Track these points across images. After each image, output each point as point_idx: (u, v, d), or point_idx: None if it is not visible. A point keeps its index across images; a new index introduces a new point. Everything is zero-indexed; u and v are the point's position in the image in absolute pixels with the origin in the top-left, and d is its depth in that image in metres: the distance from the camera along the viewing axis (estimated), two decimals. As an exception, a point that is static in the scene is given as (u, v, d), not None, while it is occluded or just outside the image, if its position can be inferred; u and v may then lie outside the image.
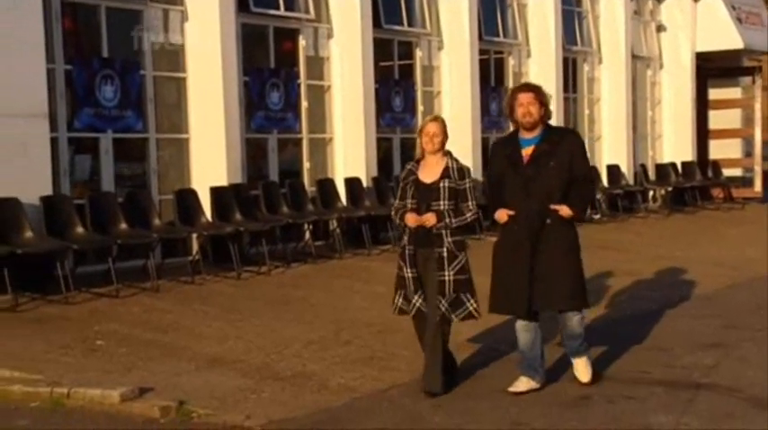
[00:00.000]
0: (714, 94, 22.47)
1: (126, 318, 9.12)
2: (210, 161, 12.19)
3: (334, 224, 13.27)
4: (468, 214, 6.77)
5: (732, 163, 22.28)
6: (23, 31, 10.05)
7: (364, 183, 14.03)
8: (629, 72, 19.96)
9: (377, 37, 14.72)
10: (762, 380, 7.04)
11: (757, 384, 6.96)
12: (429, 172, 6.82)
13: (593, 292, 10.75)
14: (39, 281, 9.64)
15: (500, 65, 17.76)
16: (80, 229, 10.28)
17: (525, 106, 6.77)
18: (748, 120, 22.35)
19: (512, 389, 6.82)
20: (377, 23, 14.80)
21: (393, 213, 6.98)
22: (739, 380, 7.10)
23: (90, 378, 7.14)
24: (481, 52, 16.66)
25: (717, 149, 22.36)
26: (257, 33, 13.58)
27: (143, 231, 10.80)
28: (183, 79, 12.33)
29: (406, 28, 15.73)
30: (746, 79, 22.59)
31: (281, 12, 13.66)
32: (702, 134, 22.18)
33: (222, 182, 12.04)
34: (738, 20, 21.59)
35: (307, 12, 14.08)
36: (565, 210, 6.72)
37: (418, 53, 16.03)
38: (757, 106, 21.94)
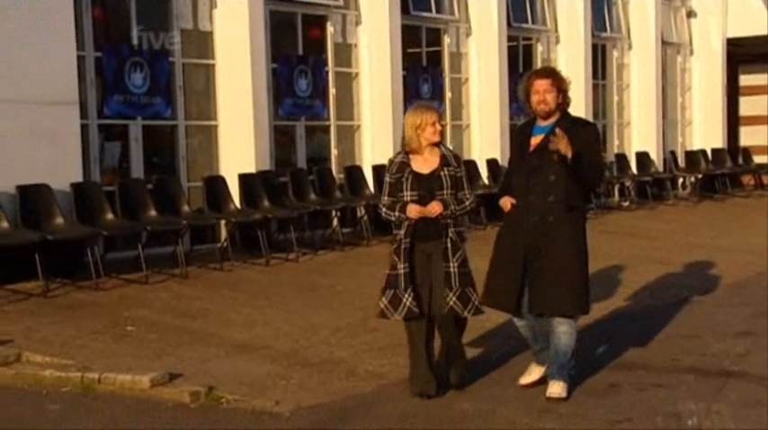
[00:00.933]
0: (745, 80, 22.28)
1: (155, 305, 9.17)
2: (239, 148, 12.22)
3: (361, 211, 13.28)
4: (467, 202, 6.47)
5: (763, 149, 22.05)
6: (54, 19, 10.10)
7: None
8: (658, 58, 19.80)
9: (405, 24, 14.68)
10: (793, 369, 7.00)
11: (788, 373, 6.92)
12: (425, 162, 6.43)
13: (623, 281, 10.74)
14: (69, 267, 9.72)
15: (528, 51, 17.66)
16: (110, 216, 10.34)
17: (541, 93, 6.36)
18: (779, 106, 22.16)
19: (523, 380, 6.63)
20: (405, 10, 14.76)
21: (385, 209, 6.46)
22: (770, 368, 7.06)
23: (120, 363, 7.20)
24: (509, 39, 16.58)
25: (747, 136, 22.18)
26: (285, 20, 13.57)
27: (172, 218, 10.85)
28: (212, 66, 12.36)
29: (434, 14, 15.68)
30: (778, 65, 22.38)
31: (310, -2, 13.67)
32: (733, 120, 22.00)
33: (250, 169, 12.07)
34: (770, 5, 21.37)
35: (335, -2, 14.08)
36: (558, 136, 6.10)
37: (446, 40, 15.98)
38: (789, 92, 21.74)
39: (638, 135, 19.78)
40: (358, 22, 14.28)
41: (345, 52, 14.29)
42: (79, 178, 10.34)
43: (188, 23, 12.18)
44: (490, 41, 16.04)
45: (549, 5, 17.77)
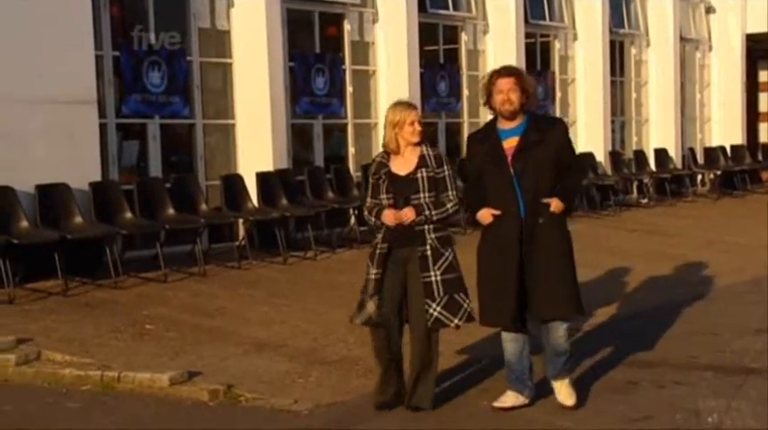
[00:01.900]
0: (764, 75, 22.16)
1: (174, 303, 9.20)
2: (256, 147, 12.24)
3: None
4: (449, 205, 6.03)
5: (783, 146, 21.97)
6: (72, 18, 10.14)
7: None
8: (677, 55, 19.70)
9: (422, 21, 14.65)
10: (813, 366, 6.96)
11: (809, 370, 6.88)
12: (403, 163, 6.07)
13: (641, 277, 10.70)
14: (88, 265, 9.76)
15: (546, 49, 17.61)
16: (128, 215, 10.37)
17: (505, 93, 5.97)
18: (800, 102, 22.04)
19: (497, 404, 6.17)
20: (422, 8, 14.73)
21: (366, 213, 6.20)
22: (790, 365, 7.02)
23: (139, 362, 7.23)
24: (527, 36, 16.53)
25: (767, 132, 22.03)
26: (302, 18, 13.58)
27: (190, 216, 10.88)
28: (230, 65, 12.38)
29: (451, 12, 15.66)
30: (798, 61, 22.27)
31: (326, -4, 13.68)
32: (752, 117, 21.87)
33: (268, 167, 12.09)
34: (790, 0, 21.24)
35: (352, -4, 14.08)
36: (556, 204, 5.98)
37: (463, 37, 15.95)
38: (809, 88, 21.62)
39: (656, 132, 19.69)
40: (375, 20, 14.28)
41: (362, 50, 14.29)
42: (98, 177, 10.38)
43: (205, 22, 12.21)
44: (508, 39, 15.99)
45: (566, 2, 17.72)
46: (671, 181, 18.75)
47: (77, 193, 9.95)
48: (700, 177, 20.34)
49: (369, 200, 6.22)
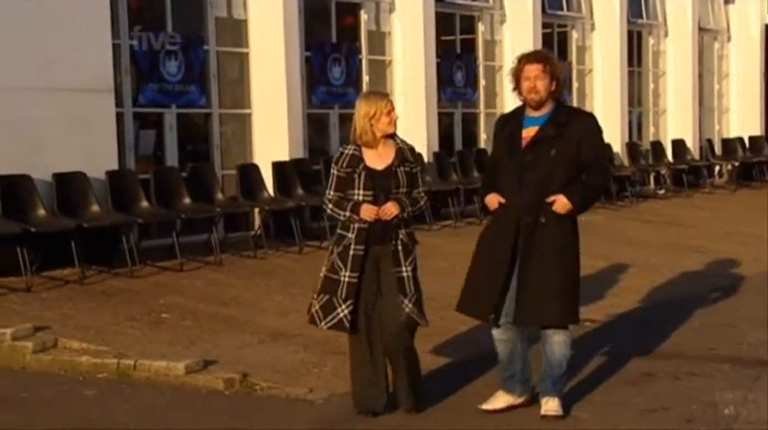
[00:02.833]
0: (784, 66, 21.98)
1: (190, 292, 9.22)
2: (272, 136, 12.23)
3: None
4: (422, 202, 5.86)
5: (802, 137, 21.80)
6: (89, 6, 10.15)
7: (425, 159, 13.97)
8: (695, 45, 19.58)
9: (438, 11, 14.62)
10: (832, 359, 6.92)
11: (827, 362, 6.84)
12: (379, 157, 5.73)
13: (659, 269, 10.66)
14: (105, 254, 9.79)
15: (563, 39, 17.55)
16: (145, 204, 10.39)
17: (532, 80, 5.69)
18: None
19: (486, 406, 5.88)
20: (439, -3, 14.72)
21: (332, 206, 5.75)
22: (808, 357, 6.98)
23: (155, 350, 7.25)
24: (544, 26, 16.47)
25: (785, 123, 21.90)
26: (319, 8, 13.56)
27: (206, 206, 10.89)
28: (246, 54, 12.38)
29: (468, 2, 15.61)
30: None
31: (343, -14, 13.66)
32: (771, 108, 21.73)
33: (284, 157, 12.08)
34: (810, -11, 21.09)
35: (368, -14, 14.05)
36: (561, 203, 5.61)
37: (480, 27, 15.90)
38: (828, 79, 21.44)
39: (674, 122, 19.59)
40: (391, 10, 14.25)
41: (379, 40, 14.26)
42: (114, 166, 10.40)
43: (222, 11, 12.21)
44: (525, 29, 15.93)
45: (584, -8, 17.64)
46: (688, 172, 18.65)
47: (94, 182, 9.97)
48: (717, 168, 20.24)
49: (331, 193, 5.76)
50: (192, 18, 11.87)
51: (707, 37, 20.67)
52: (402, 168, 5.76)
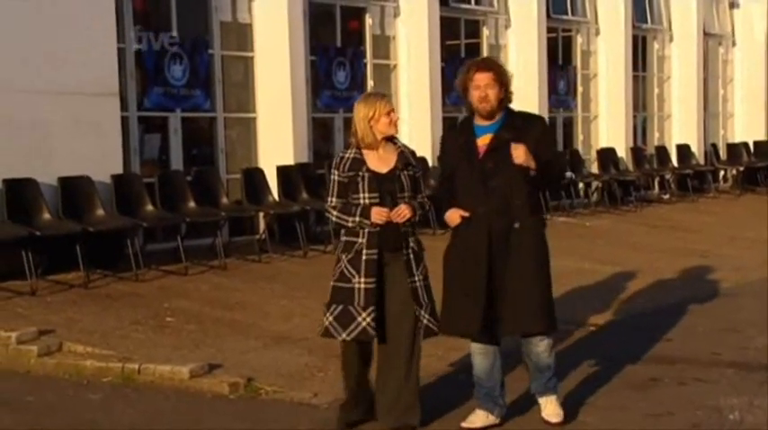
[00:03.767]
0: (789, 71, 21.95)
1: (194, 296, 9.22)
2: (277, 140, 12.25)
3: (399, 203, 13.23)
4: (427, 206, 5.73)
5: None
6: (95, 11, 10.17)
7: (430, 163, 13.98)
8: (700, 50, 19.57)
9: (443, 15, 14.63)
10: (837, 364, 6.90)
11: (832, 368, 6.83)
12: (380, 159, 5.59)
13: (663, 273, 10.65)
14: (110, 258, 9.80)
15: (568, 43, 17.53)
16: (150, 208, 10.40)
17: (482, 89, 5.57)
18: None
19: (465, 424, 5.74)
20: (443, 2, 14.70)
21: (336, 212, 5.61)
22: (813, 363, 6.97)
23: (160, 354, 7.25)
24: (549, 30, 16.46)
25: (791, 128, 21.87)
26: (324, 12, 13.58)
27: (211, 209, 10.91)
28: (251, 58, 12.39)
29: (473, 6, 15.61)
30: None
31: (348, -10, 13.66)
32: (776, 113, 21.70)
33: (289, 161, 12.09)
34: (815, -6, 21.06)
35: (373, -10, 14.07)
36: (521, 151, 5.47)
37: (485, 32, 15.90)
38: (833, 84, 21.40)
39: (678, 127, 19.57)
40: (396, 14, 14.26)
41: (384, 44, 14.27)
42: (119, 170, 10.41)
43: (227, 16, 12.22)
44: (529, 33, 15.93)
45: (589, -4, 17.63)
46: (693, 177, 18.63)
47: (99, 186, 9.99)
48: (722, 173, 20.21)
49: (334, 199, 5.62)
50: (197, 22, 11.89)
51: (712, 42, 20.65)
52: (406, 172, 5.63)
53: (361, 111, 5.61)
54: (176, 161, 11.56)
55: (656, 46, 19.31)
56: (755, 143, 20.70)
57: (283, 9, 12.15)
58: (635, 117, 18.45)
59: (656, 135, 19.36)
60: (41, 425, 6.02)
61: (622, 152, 17.41)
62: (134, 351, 7.32)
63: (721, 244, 12.91)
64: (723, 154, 20.41)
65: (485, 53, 15.84)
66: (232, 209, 11.31)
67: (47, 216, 9.48)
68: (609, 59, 17.69)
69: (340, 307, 5.52)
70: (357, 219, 5.50)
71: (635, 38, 18.34)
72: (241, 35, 12.39)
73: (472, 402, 5.90)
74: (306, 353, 7.39)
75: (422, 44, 14.11)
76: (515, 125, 5.66)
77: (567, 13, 17.20)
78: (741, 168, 20.12)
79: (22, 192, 9.42)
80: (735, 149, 20.46)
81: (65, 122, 9.85)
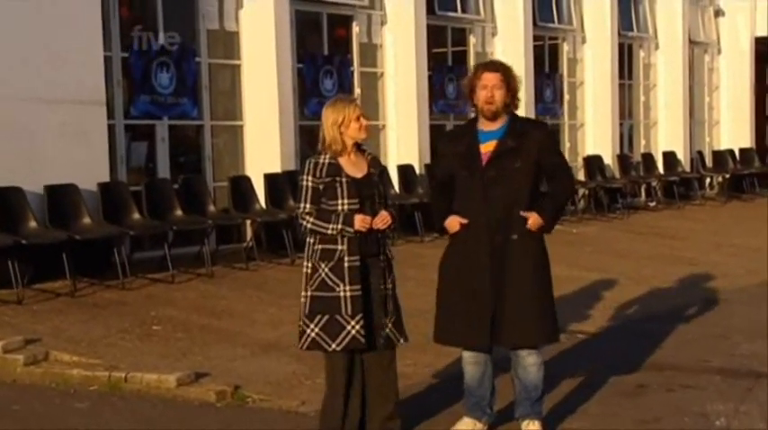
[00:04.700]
0: (774, 79, 22.08)
1: (182, 304, 9.20)
2: (264, 148, 12.23)
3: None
4: (395, 213, 5.58)
5: (791, 150, 21.89)
6: (81, 19, 10.15)
7: (417, 171, 14.00)
8: (685, 58, 19.66)
9: (430, 23, 14.65)
10: (823, 370, 6.93)
11: (819, 374, 6.85)
12: (353, 164, 5.44)
13: (651, 281, 10.67)
14: (96, 266, 9.76)
15: (554, 51, 17.60)
16: (136, 216, 10.37)
17: (489, 89, 5.46)
18: (809, 106, 21.95)
19: None
20: (430, 10, 14.73)
21: (312, 220, 5.39)
22: (800, 369, 6.99)
23: (147, 362, 7.23)
24: (535, 38, 16.51)
25: (776, 136, 21.99)
26: (311, 20, 13.58)
27: (198, 217, 10.88)
28: (238, 66, 12.39)
29: (459, 14, 15.65)
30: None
31: (335, -2, 13.68)
32: (761, 120, 21.80)
33: (276, 168, 12.08)
34: (800, 3, 21.19)
35: (360, -2, 14.08)
36: (534, 221, 5.43)
37: (472, 40, 15.93)
38: (818, 92, 21.55)
39: (664, 135, 19.65)
40: (383, 22, 14.28)
41: (371, 52, 14.29)
42: (106, 178, 10.38)
43: (214, 24, 12.21)
44: (516, 41, 15.98)
45: (575, 5, 17.68)
46: (679, 184, 18.69)
47: (86, 194, 9.96)
48: (708, 180, 20.29)
49: (307, 205, 5.40)
50: (184, 30, 11.87)
51: (697, 50, 20.75)
52: (377, 178, 5.50)
53: (329, 117, 5.49)
54: (163, 169, 11.53)
55: (642, 54, 19.40)
56: (741, 150, 20.80)
57: (270, 17, 12.15)
58: (621, 124, 18.51)
59: (643, 142, 19.43)
60: (28, 434, 5.99)
61: (609, 159, 17.46)
62: (121, 359, 7.30)
63: (708, 251, 12.95)
64: (709, 161, 20.49)
65: (472, 61, 15.88)
66: (219, 217, 11.29)
67: (33, 224, 9.44)
68: (595, 67, 17.75)
69: (326, 317, 5.33)
70: (339, 226, 5.32)
71: (621, 46, 18.42)
72: (228, 43, 12.38)
73: (458, 407, 5.88)
74: (293, 361, 7.37)
75: (409, 52, 14.13)
76: (520, 132, 5.53)
77: (553, 21, 17.26)
78: (727, 175, 20.21)
79: (8, 200, 9.38)
80: (720, 157, 20.55)
81: (51, 130, 9.83)
